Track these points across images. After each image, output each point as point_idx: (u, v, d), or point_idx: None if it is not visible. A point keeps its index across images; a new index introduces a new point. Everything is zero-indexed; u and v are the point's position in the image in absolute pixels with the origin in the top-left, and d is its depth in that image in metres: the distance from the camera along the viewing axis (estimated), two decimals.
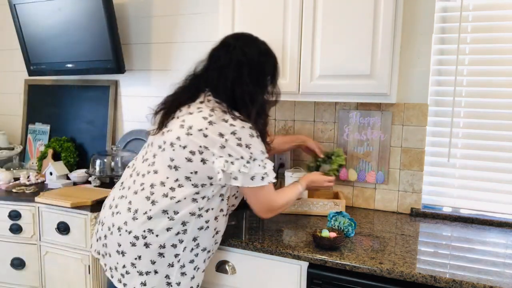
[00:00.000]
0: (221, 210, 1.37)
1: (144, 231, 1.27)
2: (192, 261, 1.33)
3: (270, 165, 1.32)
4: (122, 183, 1.42)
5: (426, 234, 1.65)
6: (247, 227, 1.65)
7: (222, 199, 1.36)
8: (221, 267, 1.55)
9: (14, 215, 2.02)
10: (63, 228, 1.93)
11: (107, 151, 2.33)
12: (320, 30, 1.67)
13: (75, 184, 2.26)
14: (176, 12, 2.29)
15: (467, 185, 1.81)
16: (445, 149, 1.82)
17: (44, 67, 2.50)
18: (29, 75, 2.58)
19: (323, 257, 1.36)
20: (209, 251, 1.40)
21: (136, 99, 2.48)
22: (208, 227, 1.34)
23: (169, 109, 1.38)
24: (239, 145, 1.25)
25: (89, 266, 1.90)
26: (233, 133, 1.25)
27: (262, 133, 1.35)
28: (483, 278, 1.21)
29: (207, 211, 1.32)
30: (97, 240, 1.42)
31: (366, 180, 1.94)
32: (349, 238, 1.53)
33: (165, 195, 1.28)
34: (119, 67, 2.31)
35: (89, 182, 2.28)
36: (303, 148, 1.90)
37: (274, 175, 1.33)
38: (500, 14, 1.70)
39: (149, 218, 1.27)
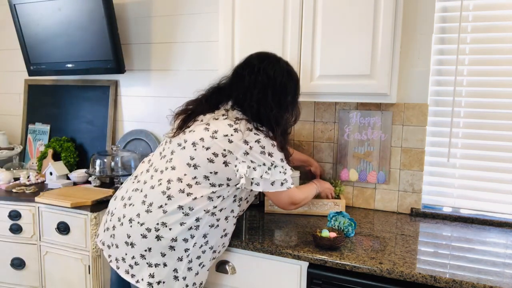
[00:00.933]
0: (232, 211, 1.42)
1: (158, 224, 1.30)
2: (198, 257, 1.36)
3: (289, 171, 1.42)
4: (136, 176, 1.46)
5: (426, 234, 1.65)
6: (247, 227, 1.65)
7: (235, 200, 1.41)
8: (221, 267, 1.55)
9: (14, 215, 2.02)
10: (63, 228, 1.93)
11: (107, 151, 2.33)
12: (320, 30, 1.67)
13: (75, 184, 2.26)
14: (176, 12, 2.29)
15: (467, 185, 1.81)
16: (445, 149, 1.82)
17: (44, 67, 2.50)
18: (29, 75, 2.58)
19: (323, 257, 1.36)
20: (215, 251, 1.42)
21: (136, 99, 2.48)
22: (218, 225, 1.38)
23: (192, 113, 1.45)
24: (262, 152, 1.33)
25: (89, 266, 1.90)
26: (258, 141, 1.33)
27: (284, 148, 1.43)
28: (483, 278, 1.22)
29: (220, 210, 1.37)
30: (104, 231, 1.43)
31: (367, 180, 1.94)
32: (349, 238, 1.53)
33: (182, 191, 1.32)
34: (119, 67, 2.31)
35: (89, 182, 2.28)
36: (307, 168, 1.97)
37: (292, 181, 1.42)
38: (500, 14, 1.70)
39: (164, 212, 1.31)
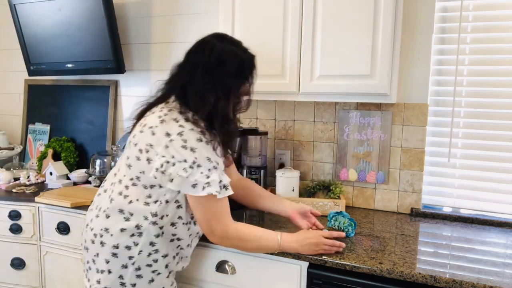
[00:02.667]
0: (180, 217, 1.29)
1: (101, 229, 1.27)
2: (149, 265, 1.28)
3: (216, 176, 1.20)
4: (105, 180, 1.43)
5: (426, 234, 1.65)
6: None
7: (179, 206, 1.27)
8: (221, 267, 1.55)
9: (14, 215, 2.02)
10: (63, 228, 1.93)
11: (107, 151, 2.33)
12: (320, 30, 1.67)
13: (75, 184, 2.26)
14: (175, 12, 2.29)
15: (467, 185, 1.81)
16: (445, 149, 1.82)
17: (44, 67, 2.50)
18: (29, 75, 2.58)
19: (323, 257, 1.36)
20: (168, 256, 1.32)
21: (136, 99, 2.46)
22: (163, 233, 1.27)
23: (146, 108, 1.35)
24: (184, 147, 1.17)
25: None
26: (180, 134, 1.18)
27: (227, 142, 1.27)
28: (483, 278, 1.21)
29: (162, 217, 1.25)
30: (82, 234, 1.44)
31: (367, 180, 1.94)
32: (349, 238, 1.53)
33: (120, 193, 1.27)
34: (119, 67, 2.31)
35: (89, 182, 2.28)
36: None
37: (219, 189, 1.19)
38: (500, 14, 1.70)
39: (107, 216, 1.27)
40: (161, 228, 1.26)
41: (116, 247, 1.24)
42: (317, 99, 1.75)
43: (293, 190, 1.86)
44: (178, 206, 1.27)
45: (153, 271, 1.29)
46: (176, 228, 1.29)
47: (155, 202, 1.23)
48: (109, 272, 1.26)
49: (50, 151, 2.44)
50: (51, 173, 2.28)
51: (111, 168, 2.21)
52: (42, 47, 2.45)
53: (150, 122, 1.23)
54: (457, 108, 1.79)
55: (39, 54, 2.48)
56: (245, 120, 2.17)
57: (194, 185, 1.18)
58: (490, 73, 1.74)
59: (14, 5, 2.42)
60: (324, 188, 1.91)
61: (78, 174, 2.29)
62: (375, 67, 1.60)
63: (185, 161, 1.17)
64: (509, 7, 1.68)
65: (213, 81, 1.23)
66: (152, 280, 1.30)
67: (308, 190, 1.93)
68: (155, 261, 1.28)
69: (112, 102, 2.51)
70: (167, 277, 1.35)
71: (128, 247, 1.24)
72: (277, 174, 1.88)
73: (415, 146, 1.85)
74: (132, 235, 1.24)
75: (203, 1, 2.21)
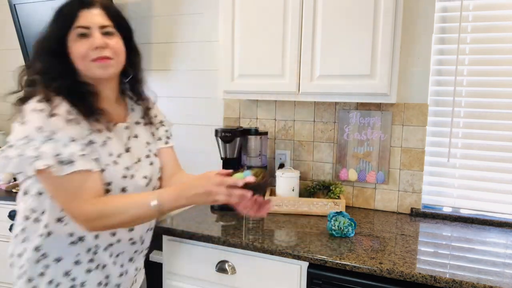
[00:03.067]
0: (55, 209, 1.09)
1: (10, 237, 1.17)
2: (42, 274, 1.10)
3: (50, 148, 0.97)
4: None
5: (426, 234, 1.65)
6: (247, 227, 1.65)
7: (44, 196, 1.09)
8: (221, 267, 1.55)
9: (14, 215, 2.01)
10: None
11: None
12: (320, 30, 1.67)
13: None
14: (176, 12, 2.29)
15: (467, 185, 1.81)
16: (445, 149, 1.82)
17: None
18: None
19: (323, 257, 1.36)
20: (77, 262, 1.11)
21: None
22: (50, 232, 1.09)
23: None
24: (21, 123, 0.99)
25: None
26: (21, 110, 1.01)
27: (83, 97, 1.06)
28: (483, 278, 1.21)
29: (42, 213, 1.09)
30: None
31: (367, 180, 1.94)
32: (349, 238, 1.53)
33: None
34: None
35: None
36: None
37: (53, 162, 0.97)
38: (500, 14, 1.70)
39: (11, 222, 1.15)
40: (45, 226, 1.09)
41: (11, 255, 1.17)
42: (317, 99, 1.75)
43: (293, 190, 1.86)
44: (45, 198, 1.08)
45: (50, 281, 1.12)
46: (66, 225, 1.09)
47: (25, 194, 1.12)
48: (14, 284, 1.15)
49: None
50: None
51: None
52: None
53: None
54: (457, 108, 1.79)
55: None
56: (245, 120, 2.17)
57: (30, 163, 0.97)
58: (490, 73, 1.74)
59: (14, 5, 2.42)
60: (324, 188, 1.91)
61: None
62: (375, 67, 1.60)
63: (22, 138, 0.97)
64: (509, 7, 1.68)
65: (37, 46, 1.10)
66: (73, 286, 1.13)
67: (308, 190, 1.93)
68: (47, 266, 1.11)
69: None
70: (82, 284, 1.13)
71: (20, 255, 1.14)
72: (277, 174, 1.88)
73: (415, 146, 1.85)
74: (23, 240, 1.13)
75: (203, 1, 2.21)
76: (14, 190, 2.11)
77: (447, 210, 1.85)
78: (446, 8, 1.78)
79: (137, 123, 1.26)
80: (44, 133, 0.97)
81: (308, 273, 1.41)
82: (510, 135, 1.73)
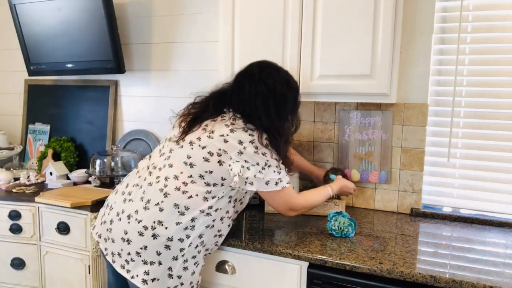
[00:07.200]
0: (227, 212, 1.42)
1: (154, 222, 1.31)
2: (194, 257, 1.37)
3: (284, 171, 1.43)
4: (138, 172, 1.47)
5: (426, 234, 1.65)
6: (247, 227, 1.65)
7: (230, 201, 1.42)
8: (221, 267, 1.55)
9: (14, 215, 2.02)
10: (63, 228, 1.93)
11: (107, 151, 2.33)
12: (320, 30, 1.67)
13: (75, 184, 2.26)
14: (176, 12, 2.29)
15: (467, 185, 1.81)
16: (445, 149, 1.82)
17: (44, 67, 2.50)
18: (29, 75, 2.58)
19: (323, 257, 1.36)
20: (207, 249, 1.44)
21: (136, 99, 2.48)
22: (213, 226, 1.39)
23: (198, 118, 1.46)
24: (256, 152, 1.35)
25: (89, 266, 1.90)
26: (252, 141, 1.36)
27: (285, 157, 1.46)
28: (483, 278, 1.21)
29: (216, 210, 1.38)
30: (101, 223, 1.43)
31: (369, 180, 1.94)
32: (349, 238, 1.53)
33: (178, 189, 1.33)
34: (119, 67, 2.31)
35: (89, 182, 2.28)
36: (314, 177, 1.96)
37: (288, 179, 1.43)
38: (500, 14, 1.70)
39: (161, 210, 1.32)
40: (213, 221, 1.38)
41: (170, 239, 1.31)
42: (317, 99, 1.75)
43: None
44: (229, 202, 1.42)
45: (195, 263, 1.38)
46: (222, 223, 1.42)
47: (213, 197, 1.36)
48: (160, 263, 1.32)
49: (50, 151, 2.44)
50: (51, 173, 2.28)
51: (111, 168, 2.21)
52: (42, 47, 2.45)
53: (218, 130, 1.38)
54: (457, 108, 1.79)
55: (39, 54, 2.48)
56: None
57: (267, 183, 1.38)
58: (490, 73, 1.74)
59: (14, 5, 2.42)
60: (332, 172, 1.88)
61: (78, 174, 2.29)
62: (375, 67, 1.60)
63: (257, 164, 1.35)
64: (509, 7, 1.68)
65: (280, 112, 1.44)
66: (193, 272, 1.38)
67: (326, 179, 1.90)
68: (199, 252, 1.39)
69: (112, 102, 2.51)
70: (202, 267, 1.44)
71: (181, 240, 1.32)
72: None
73: (415, 146, 1.85)
74: (186, 228, 1.33)
75: (203, 1, 2.20)
76: (14, 190, 2.11)
77: (447, 210, 1.85)
78: (446, 8, 1.78)
79: None
80: (278, 162, 1.41)
81: (308, 273, 1.41)
82: (510, 135, 1.73)
